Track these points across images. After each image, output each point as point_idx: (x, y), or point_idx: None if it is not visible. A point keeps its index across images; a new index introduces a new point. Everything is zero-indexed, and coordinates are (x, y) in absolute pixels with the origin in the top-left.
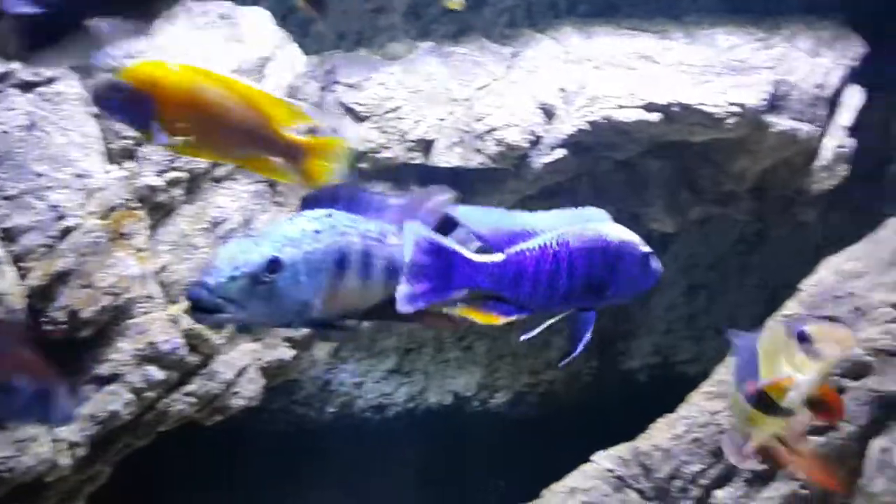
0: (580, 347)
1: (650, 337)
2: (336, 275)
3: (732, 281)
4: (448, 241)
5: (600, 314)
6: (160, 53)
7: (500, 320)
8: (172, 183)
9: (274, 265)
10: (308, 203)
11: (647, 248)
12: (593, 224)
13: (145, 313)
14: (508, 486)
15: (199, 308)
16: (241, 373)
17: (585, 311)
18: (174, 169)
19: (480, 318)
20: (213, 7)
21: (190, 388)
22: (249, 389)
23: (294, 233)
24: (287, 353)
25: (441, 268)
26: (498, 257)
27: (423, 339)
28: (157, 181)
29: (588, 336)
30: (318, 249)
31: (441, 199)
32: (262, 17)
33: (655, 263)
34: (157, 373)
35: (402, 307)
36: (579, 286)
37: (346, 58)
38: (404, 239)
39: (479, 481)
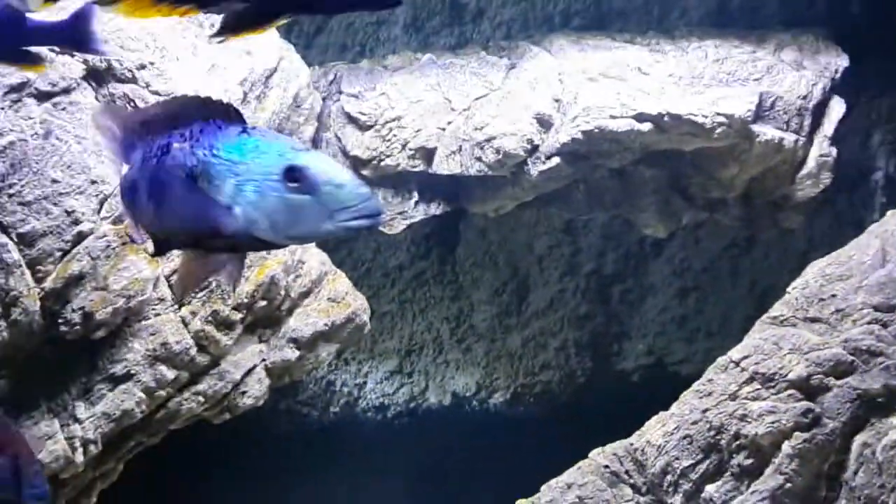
0: None
1: (644, 338)
2: None
3: (723, 284)
4: None
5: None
6: (171, 64)
7: None
8: None
9: None
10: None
11: None
12: None
13: (157, 315)
14: (507, 482)
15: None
16: (248, 373)
17: None
18: None
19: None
20: (219, 20)
21: (199, 387)
22: (256, 389)
23: None
24: (292, 353)
25: None
26: None
27: (424, 341)
28: None
29: None
30: None
31: None
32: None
33: None
34: (168, 372)
35: None
36: None
37: (348, 69)
38: None
39: (478, 478)
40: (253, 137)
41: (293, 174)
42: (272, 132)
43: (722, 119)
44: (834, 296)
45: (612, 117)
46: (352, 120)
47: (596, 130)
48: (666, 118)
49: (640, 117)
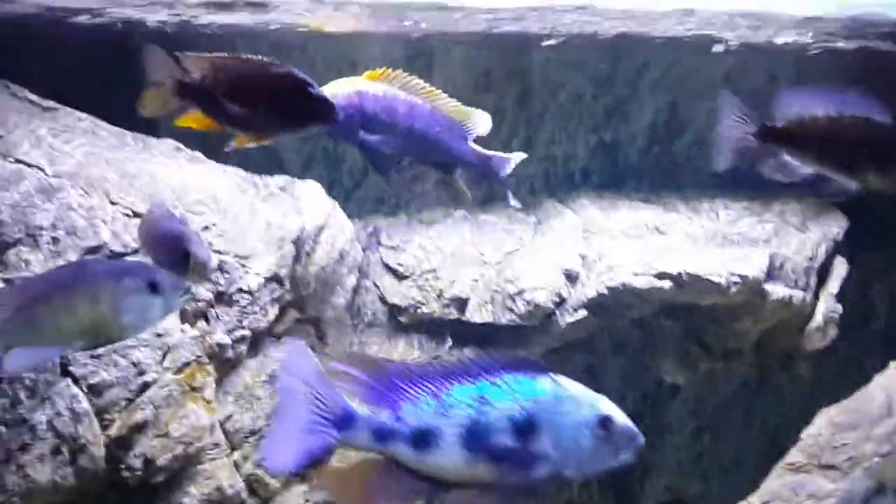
0: None
1: (662, 476)
2: None
3: (736, 423)
4: None
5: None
6: (231, 224)
7: None
8: (239, 340)
9: None
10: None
11: None
12: None
13: (212, 459)
14: None
15: None
16: None
17: None
18: (240, 328)
19: None
20: (273, 181)
21: None
22: None
23: None
24: None
25: None
26: None
27: None
28: (226, 339)
29: None
30: None
31: None
32: (315, 189)
33: None
34: None
35: None
36: None
37: (386, 222)
38: None
39: None
40: (563, 387)
41: (606, 424)
42: (569, 380)
43: (737, 279)
44: (845, 444)
45: (636, 275)
46: (390, 270)
47: (620, 287)
48: (685, 277)
49: (661, 276)
